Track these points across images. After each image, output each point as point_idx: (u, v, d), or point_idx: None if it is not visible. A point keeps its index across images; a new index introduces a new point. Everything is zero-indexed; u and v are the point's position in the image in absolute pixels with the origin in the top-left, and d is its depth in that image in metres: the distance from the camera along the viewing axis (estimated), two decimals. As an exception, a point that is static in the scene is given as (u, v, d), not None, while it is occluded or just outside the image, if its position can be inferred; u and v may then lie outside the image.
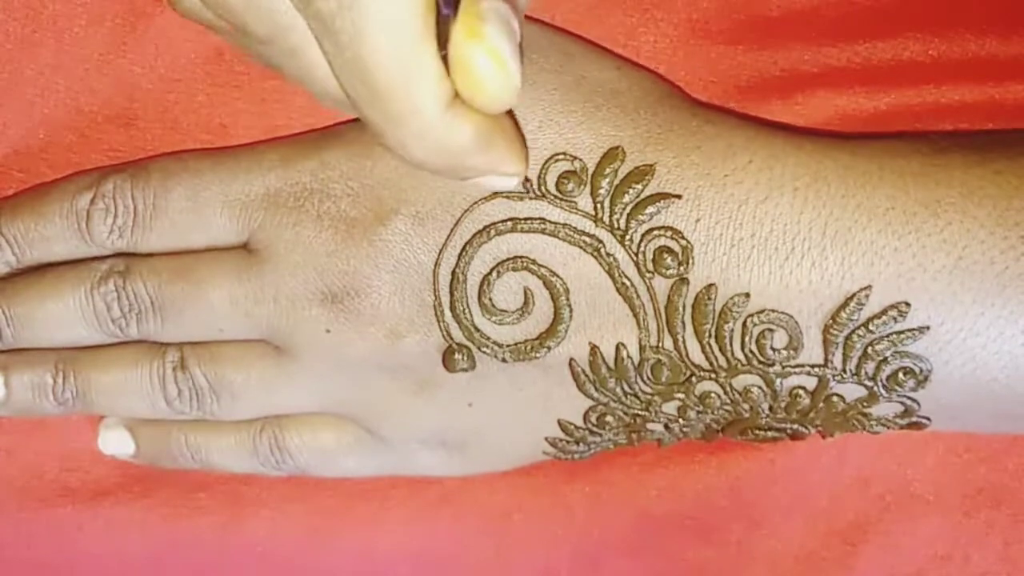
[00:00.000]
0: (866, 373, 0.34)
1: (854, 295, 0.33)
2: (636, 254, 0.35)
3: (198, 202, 0.38)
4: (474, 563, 0.44)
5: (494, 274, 0.36)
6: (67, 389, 0.40)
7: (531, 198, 0.35)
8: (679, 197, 0.35)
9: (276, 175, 0.37)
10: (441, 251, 0.36)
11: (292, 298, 0.37)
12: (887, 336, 0.34)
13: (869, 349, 0.34)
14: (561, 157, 0.35)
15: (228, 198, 0.38)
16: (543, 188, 0.35)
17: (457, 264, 0.36)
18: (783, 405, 0.36)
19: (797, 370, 0.35)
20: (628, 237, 0.35)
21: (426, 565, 0.44)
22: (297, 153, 0.38)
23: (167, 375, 0.39)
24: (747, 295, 0.34)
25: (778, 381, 0.35)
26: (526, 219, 0.35)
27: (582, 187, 0.35)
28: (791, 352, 0.34)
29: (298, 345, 0.38)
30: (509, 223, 0.35)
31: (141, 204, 0.38)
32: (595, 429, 0.38)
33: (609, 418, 0.37)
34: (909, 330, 0.34)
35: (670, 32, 0.39)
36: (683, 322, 0.35)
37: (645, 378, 0.36)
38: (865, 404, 0.35)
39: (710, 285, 0.34)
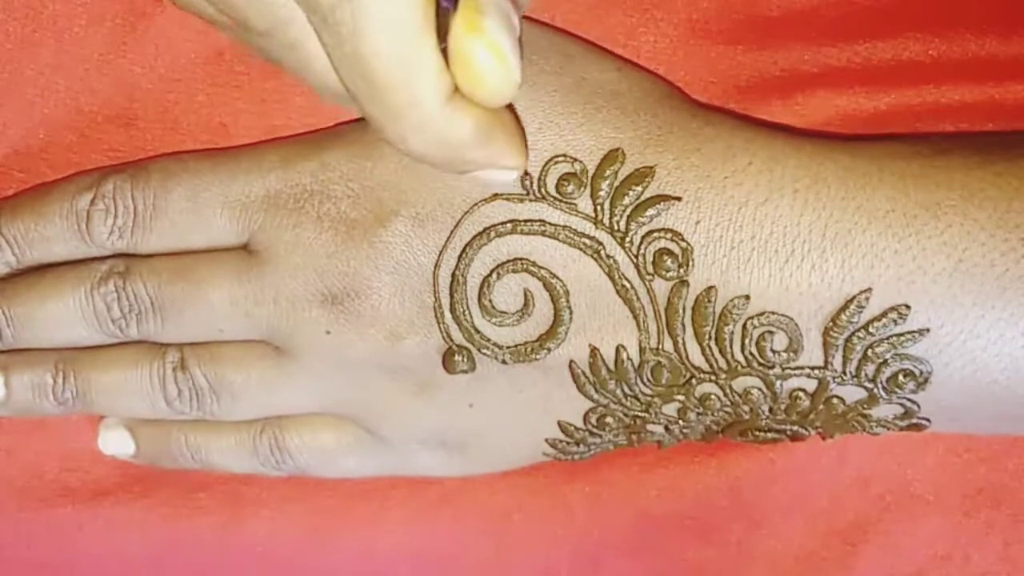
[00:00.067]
0: (866, 375, 0.34)
1: (854, 297, 0.33)
2: (636, 256, 0.35)
3: (198, 203, 0.38)
4: (474, 563, 0.44)
5: (494, 276, 0.36)
6: (67, 389, 0.40)
7: (531, 200, 0.35)
8: (679, 199, 0.35)
9: (276, 176, 0.37)
10: (441, 253, 0.36)
11: (292, 299, 0.37)
12: (887, 338, 0.34)
13: (869, 351, 0.34)
14: (561, 159, 0.35)
15: (228, 199, 0.38)
16: (543, 190, 0.35)
17: (457, 266, 0.36)
18: (783, 407, 0.36)
19: (797, 372, 0.35)
20: (628, 239, 0.35)
21: (426, 565, 0.44)
22: (297, 154, 0.37)
23: (167, 375, 0.39)
24: (747, 297, 0.34)
25: (778, 383, 0.35)
26: (526, 221, 0.35)
27: (582, 189, 0.35)
28: (791, 354, 0.34)
29: (298, 346, 0.38)
30: (509, 225, 0.35)
31: (141, 205, 0.38)
32: (595, 430, 0.38)
33: (609, 419, 0.37)
34: (909, 332, 0.34)
35: (670, 32, 0.39)
36: (683, 324, 0.35)
37: (645, 380, 0.36)
38: (865, 406, 0.35)
39: (710, 287, 0.34)
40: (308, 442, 0.40)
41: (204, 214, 0.38)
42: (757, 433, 0.37)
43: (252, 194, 0.37)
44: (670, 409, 0.37)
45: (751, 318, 0.34)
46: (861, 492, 0.42)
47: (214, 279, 0.38)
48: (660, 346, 0.35)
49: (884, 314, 0.33)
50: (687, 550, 0.43)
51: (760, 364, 0.35)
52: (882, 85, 0.39)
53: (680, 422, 0.37)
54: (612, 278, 0.35)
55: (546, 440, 0.39)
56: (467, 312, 0.36)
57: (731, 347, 0.35)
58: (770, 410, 0.36)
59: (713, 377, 0.35)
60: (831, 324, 0.34)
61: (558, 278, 0.35)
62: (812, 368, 0.35)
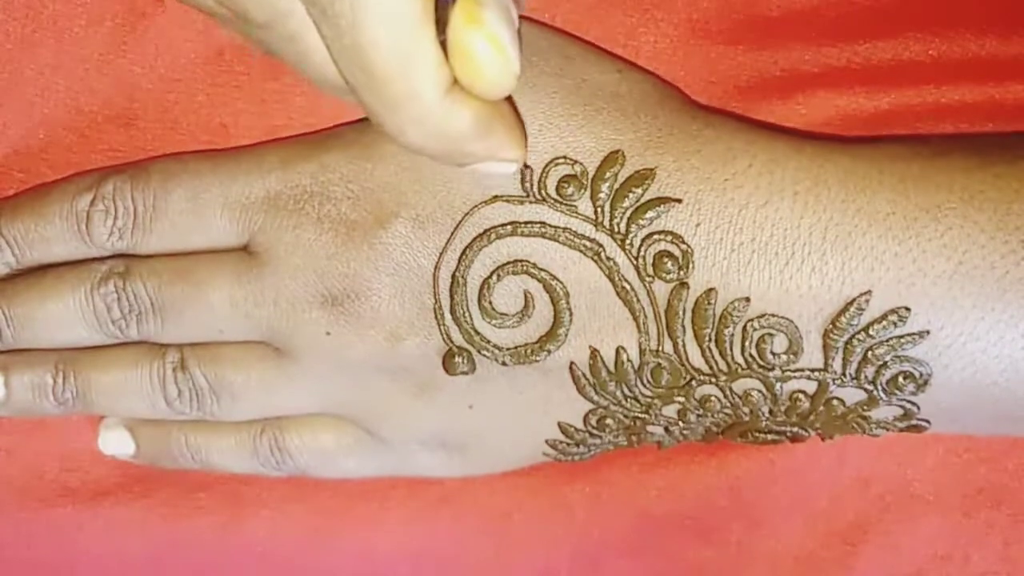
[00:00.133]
0: (866, 377, 0.34)
1: (854, 300, 0.33)
2: (636, 258, 0.35)
3: (198, 204, 0.38)
4: (474, 563, 0.44)
5: (494, 277, 0.36)
6: (67, 389, 0.40)
7: (531, 202, 0.35)
8: (679, 201, 0.35)
9: (276, 177, 0.37)
10: (441, 254, 0.36)
11: (292, 301, 0.37)
12: (887, 340, 0.34)
13: (869, 353, 0.34)
14: (561, 161, 0.35)
15: (228, 200, 0.38)
16: (543, 192, 0.35)
17: (457, 267, 0.36)
18: (783, 409, 0.36)
19: (797, 374, 0.35)
20: (628, 241, 0.35)
21: (426, 565, 0.44)
22: (297, 155, 0.37)
23: (167, 376, 0.39)
24: (747, 299, 0.34)
25: (778, 385, 0.35)
26: (526, 223, 0.35)
27: (582, 191, 0.35)
28: (791, 356, 0.34)
29: (298, 347, 0.38)
30: (509, 227, 0.35)
31: (141, 205, 0.38)
32: (595, 432, 0.38)
33: (609, 421, 0.37)
34: (909, 334, 0.34)
35: (670, 32, 0.39)
36: (683, 326, 0.35)
37: (645, 381, 0.36)
38: (865, 408, 0.35)
39: (710, 289, 0.34)
40: (308, 443, 0.40)
41: (204, 215, 0.38)
42: (757, 434, 0.37)
43: (252, 195, 0.37)
44: (670, 411, 0.37)
45: (751, 320, 0.34)
46: (861, 492, 0.42)
47: (214, 280, 0.38)
48: (660, 348, 0.35)
49: (884, 316, 0.33)
50: (687, 550, 0.43)
51: (760, 366, 0.35)
52: (882, 85, 0.39)
53: (680, 423, 0.37)
54: (612, 280, 0.35)
55: (546, 441, 0.39)
56: (467, 314, 0.36)
57: (731, 349, 0.35)
58: (770, 412, 0.36)
59: (713, 379, 0.35)
60: (831, 326, 0.34)
61: (558, 280, 0.35)
62: (812, 370, 0.35)
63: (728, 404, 0.36)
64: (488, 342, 0.36)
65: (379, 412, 0.39)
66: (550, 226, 0.35)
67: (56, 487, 0.43)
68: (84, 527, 0.43)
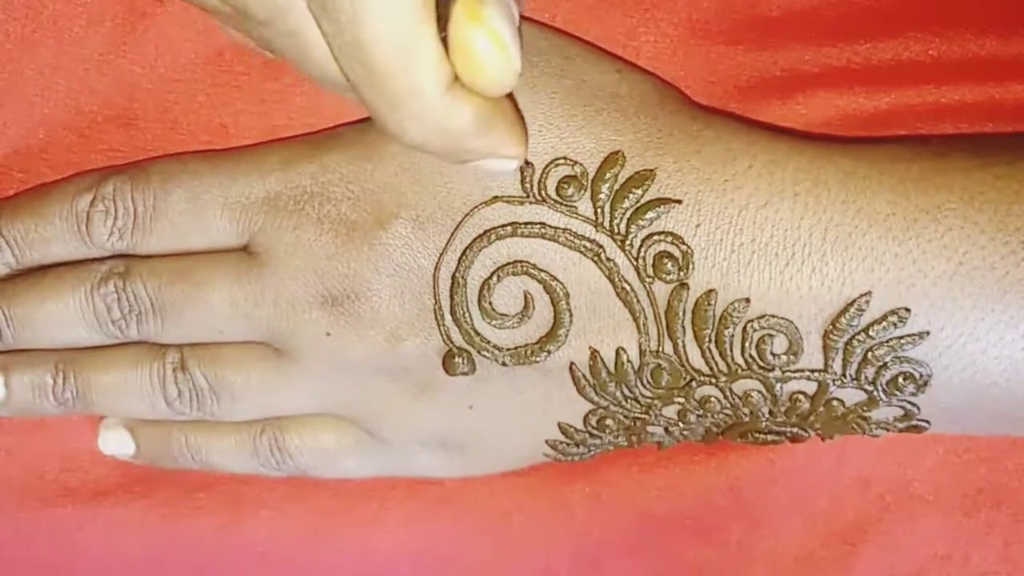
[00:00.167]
0: (866, 378, 0.34)
1: (854, 301, 0.33)
2: (636, 259, 0.35)
3: (198, 204, 0.38)
4: (474, 563, 0.44)
5: (494, 278, 0.36)
6: (67, 389, 0.40)
7: (531, 202, 0.35)
8: (679, 202, 0.35)
9: (276, 178, 0.37)
10: (441, 255, 0.36)
11: (292, 301, 0.37)
12: (887, 341, 0.34)
13: (869, 354, 0.34)
14: (562, 161, 0.35)
15: (228, 200, 0.38)
16: (543, 192, 0.35)
17: (457, 268, 0.36)
18: (783, 409, 0.36)
19: (797, 375, 0.35)
20: (628, 242, 0.35)
21: (426, 565, 0.44)
22: (297, 156, 0.37)
23: (167, 376, 0.39)
24: (747, 300, 0.34)
25: (778, 386, 0.35)
26: (526, 223, 0.35)
27: (582, 192, 0.35)
28: (791, 357, 0.34)
29: (298, 348, 0.38)
30: (509, 227, 0.35)
31: (141, 206, 0.38)
32: (595, 432, 0.38)
33: (609, 421, 0.37)
34: (909, 335, 0.34)
35: (670, 32, 0.39)
36: (683, 327, 0.35)
37: (645, 382, 0.36)
38: (865, 408, 0.35)
39: (710, 290, 0.34)
40: (308, 443, 0.40)
41: (204, 215, 0.38)
42: (757, 435, 0.37)
43: (252, 196, 0.37)
44: (670, 411, 0.37)
45: (751, 321, 0.34)
46: (861, 492, 0.42)
47: (214, 280, 0.38)
48: (660, 349, 0.35)
49: (884, 317, 0.33)
50: (687, 550, 0.43)
51: (760, 367, 0.35)
52: (882, 85, 0.39)
53: (680, 424, 0.37)
54: (612, 281, 0.35)
55: (546, 441, 0.39)
56: (467, 314, 0.36)
57: (731, 350, 0.35)
58: (770, 412, 0.36)
59: (713, 380, 0.35)
60: (831, 327, 0.34)
61: (558, 280, 0.35)
62: (812, 371, 0.35)
63: (728, 405, 0.36)
64: (488, 343, 0.36)
65: (379, 412, 0.39)
66: (550, 227, 0.35)
67: (56, 487, 0.43)
68: (84, 527, 0.43)
